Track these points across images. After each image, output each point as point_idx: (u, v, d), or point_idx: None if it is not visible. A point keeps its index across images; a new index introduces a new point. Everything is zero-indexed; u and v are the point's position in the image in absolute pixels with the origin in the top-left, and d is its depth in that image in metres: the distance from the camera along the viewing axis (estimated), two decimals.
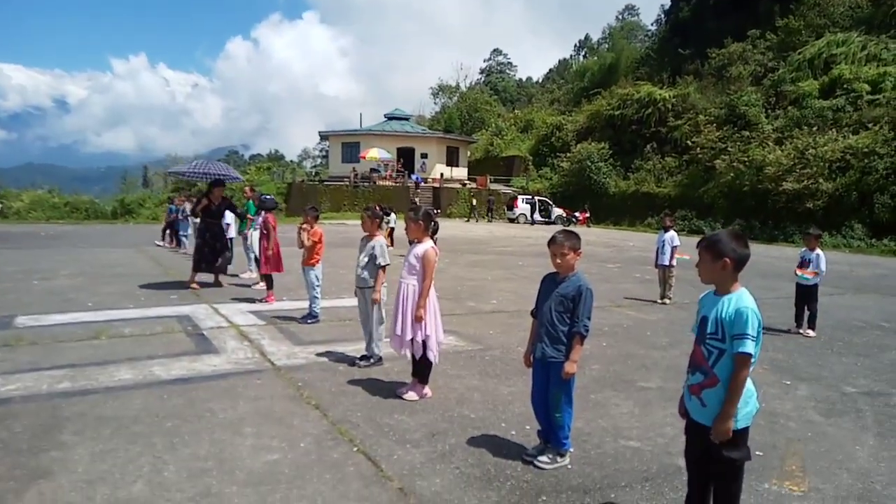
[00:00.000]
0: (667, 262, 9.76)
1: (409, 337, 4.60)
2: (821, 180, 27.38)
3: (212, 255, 9.96)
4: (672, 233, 9.89)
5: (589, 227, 37.15)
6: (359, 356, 5.70)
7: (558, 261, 3.64)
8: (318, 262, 7.29)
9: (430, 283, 4.61)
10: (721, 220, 31.89)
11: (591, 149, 40.48)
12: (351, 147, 45.45)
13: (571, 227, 35.52)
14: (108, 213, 33.83)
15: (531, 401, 3.85)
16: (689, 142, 35.78)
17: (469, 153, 51.14)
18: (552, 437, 3.70)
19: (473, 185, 43.00)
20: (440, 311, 4.85)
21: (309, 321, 7.22)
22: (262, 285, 9.54)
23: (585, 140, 42.58)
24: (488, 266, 14.63)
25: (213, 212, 10.09)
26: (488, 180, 43.10)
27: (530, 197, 39.63)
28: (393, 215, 18.90)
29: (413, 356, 4.71)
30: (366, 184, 39.99)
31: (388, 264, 5.47)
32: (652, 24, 70.35)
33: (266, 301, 8.45)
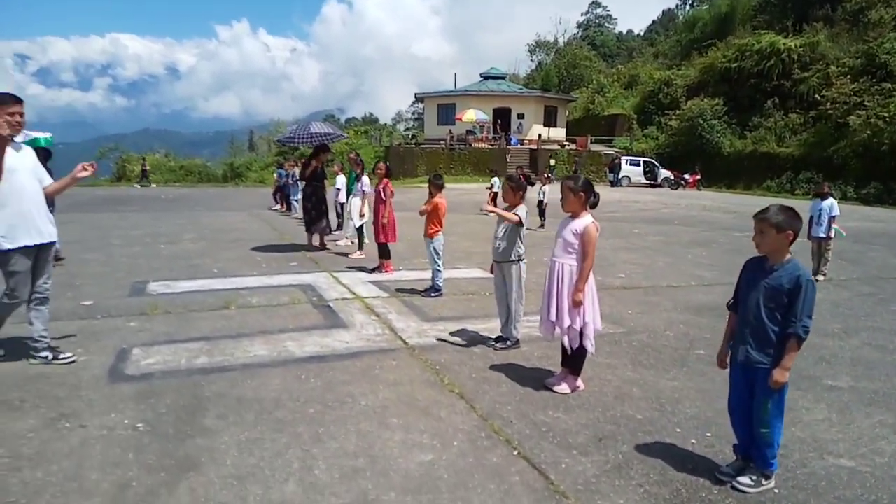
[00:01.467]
0: (823, 234, 8.63)
1: (565, 324, 4.09)
2: None
3: (318, 217, 10.10)
4: (831, 200, 8.70)
5: (699, 189, 34.93)
6: (493, 337, 5.28)
7: (756, 239, 3.00)
8: (438, 232, 6.90)
9: (591, 264, 4.06)
10: (853, 182, 28.92)
11: (704, 105, 37.62)
12: (447, 108, 44.85)
13: (679, 190, 33.74)
14: (218, 176, 35.42)
15: (729, 410, 3.25)
16: (818, 96, 32.43)
17: (568, 112, 49.22)
18: (755, 454, 3.10)
19: (573, 146, 41.39)
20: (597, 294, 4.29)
21: (432, 294, 6.88)
22: (360, 254, 9.36)
23: (697, 96, 39.58)
24: (602, 234, 13.76)
25: (319, 175, 10.14)
26: (589, 141, 41.28)
27: (636, 158, 37.62)
28: (496, 179, 18.29)
29: (567, 344, 4.19)
30: (462, 146, 39.44)
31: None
32: None
33: (384, 271, 8.19)
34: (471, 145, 39.63)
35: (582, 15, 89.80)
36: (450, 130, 40.08)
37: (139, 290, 6.94)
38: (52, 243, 4.42)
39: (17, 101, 4.14)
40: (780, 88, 36.16)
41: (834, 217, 8.61)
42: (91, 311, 5.99)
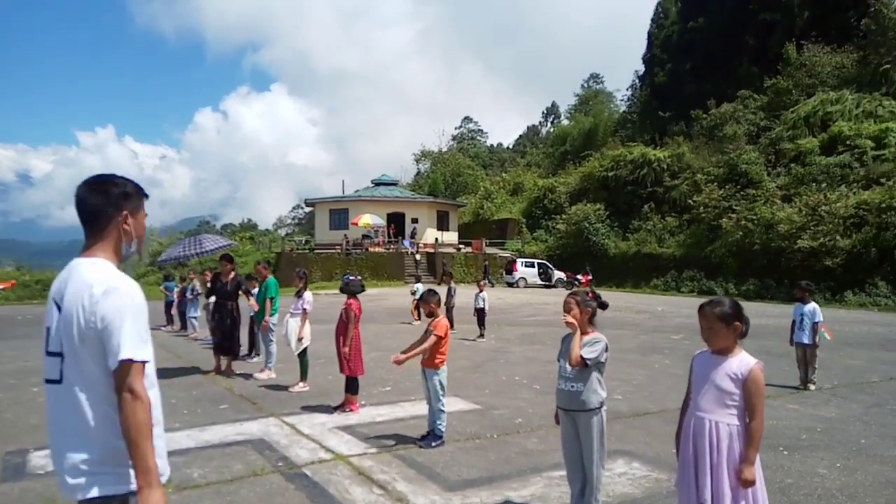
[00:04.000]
0: (807, 341, 8.24)
1: None
2: (837, 237, 26.73)
3: (224, 338, 9.02)
4: (813, 305, 8.39)
5: (591, 289, 35.93)
6: None
7: None
8: (443, 362, 5.56)
9: (762, 424, 2.94)
10: (732, 279, 30.98)
11: (588, 210, 39.74)
12: (339, 213, 44.12)
13: (574, 290, 34.57)
14: None
15: None
16: (690, 201, 35.24)
17: (458, 217, 50.13)
18: None
19: (469, 249, 41.71)
20: None
21: (433, 444, 5.41)
22: (302, 385, 7.80)
23: (579, 202, 41.89)
24: (544, 341, 12.95)
25: (223, 291, 9.23)
26: (484, 244, 41.85)
27: (530, 259, 38.46)
28: (419, 285, 17.17)
29: None
30: (358, 251, 38.40)
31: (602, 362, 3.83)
32: (627, 89, 71.98)
33: (350, 409, 6.59)
34: (367, 250, 38.70)
35: (456, 129, 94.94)
36: (345, 235, 39.02)
37: (16, 468, 4.86)
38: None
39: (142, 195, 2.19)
40: (654, 194, 39.12)
41: (817, 322, 8.27)
42: None
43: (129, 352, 1.86)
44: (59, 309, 1.94)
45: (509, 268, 37.81)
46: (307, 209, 65.90)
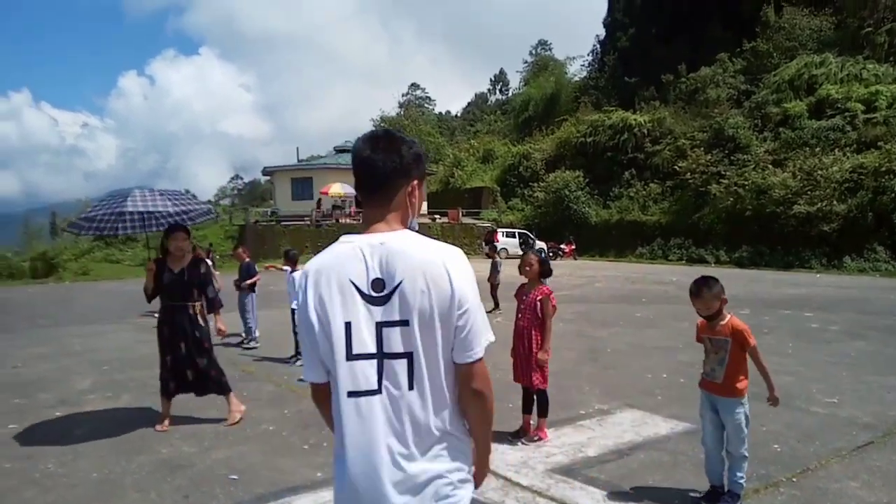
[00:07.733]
0: None
1: None
2: (833, 202, 26.40)
3: (182, 366, 5.39)
4: None
5: (576, 259, 35.01)
6: None
7: None
8: (747, 386, 3.84)
9: None
10: (723, 247, 30.49)
11: (567, 177, 38.55)
12: (302, 183, 41.54)
13: (558, 260, 33.49)
14: (26, 270, 27.78)
15: None
16: (674, 167, 34.46)
17: (427, 186, 48.18)
18: None
19: (444, 219, 39.95)
20: None
21: None
22: None
23: (557, 169, 40.64)
24: (616, 323, 11.48)
25: (175, 282, 5.32)
26: (460, 213, 40.15)
27: (510, 229, 37.10)
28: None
29: None
30: (328, 222, 36.10)
31: None
32: (588, 54, 70.64)
33: (539, 437, 4.84)
34: (338, 221, 36.41)
35: (403, 95, 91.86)
36: (318, 204, 36.62)
37: None
38: None
39: None
40: (635, 160, 38.17)
41: None
42: None
43: (487, 339, 1.64)
44: (384, 300, 1.55)
45: (489, 238, 36.30)
46: (264, 179, 62.33)
